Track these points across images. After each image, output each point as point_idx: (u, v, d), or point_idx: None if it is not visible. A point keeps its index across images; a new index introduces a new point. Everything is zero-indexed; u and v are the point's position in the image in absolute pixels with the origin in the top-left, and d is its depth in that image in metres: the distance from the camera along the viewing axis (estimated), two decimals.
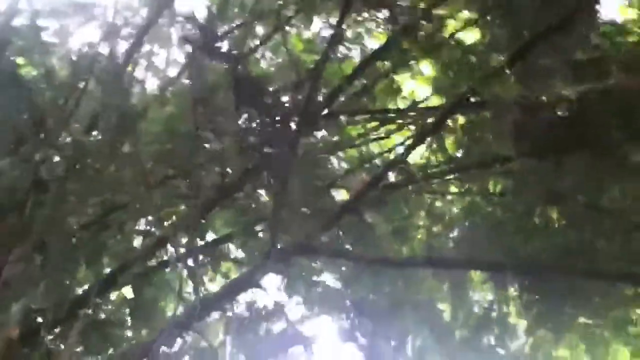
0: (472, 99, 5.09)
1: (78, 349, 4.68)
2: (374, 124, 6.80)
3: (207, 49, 4.86)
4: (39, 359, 4.20)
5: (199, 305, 4.12)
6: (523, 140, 4.15)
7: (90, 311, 4.36)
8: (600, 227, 4.51)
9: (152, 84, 7.65)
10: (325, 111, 5.79)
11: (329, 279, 6.40)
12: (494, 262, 4.53)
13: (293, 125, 4.52)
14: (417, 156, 6.62)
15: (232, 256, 6.85)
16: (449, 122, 6.03)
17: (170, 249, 5.54)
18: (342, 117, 6.56)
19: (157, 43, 7.63)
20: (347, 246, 5.43)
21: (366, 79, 6.24)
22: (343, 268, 6.14)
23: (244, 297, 5.81)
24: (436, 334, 6.33)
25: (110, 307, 5.44)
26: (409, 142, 5.08)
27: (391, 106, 6.71)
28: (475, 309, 6.29)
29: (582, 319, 5.25)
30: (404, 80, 7.06)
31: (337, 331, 6.53)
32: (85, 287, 4.90)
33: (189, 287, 5.07)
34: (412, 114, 6.52)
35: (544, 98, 4.19)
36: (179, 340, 4.27)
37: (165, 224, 5.64)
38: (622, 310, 4.94)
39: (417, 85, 7.15)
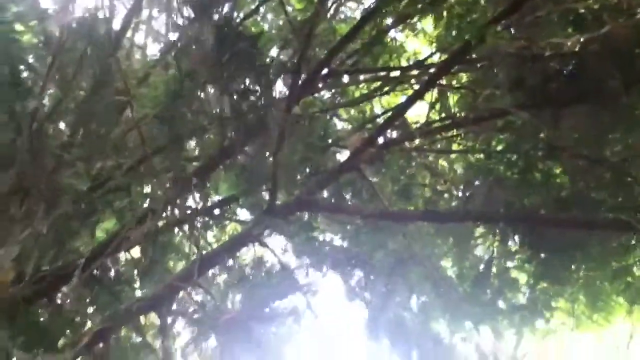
0: (472, 55, 5.04)
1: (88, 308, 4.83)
2: (377, 84, 6.78)
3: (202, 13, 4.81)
4: (49, 316, 4.35)
5: (199, 260, 4.21)
6: (521, 92, 4.12)
7: (96, 270, 4.47)
8: (599, 178, 4.50)
9: (153, 49, 7.68)
10: (325, 70, 5.78)
11: (334, 238, 6.51)
12: (492, 214, 4.55)
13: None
14: (420, 115, 6.66)
15: (237, 217, 6.97)
16: (451, 79, 6.03)
17: (176, 210, 5.64)
18: (345, 77, 6.56)
19: (156, 7, 7.61)
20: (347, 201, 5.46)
21: (366, 37, 6.20)
22: (348, 227, 6.22)
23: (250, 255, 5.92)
24: (439, 289, 6.44)
25: (118, 267, 5.57)
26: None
27: (394, 64, 6.68)
28: (477, 264, 6.37)
29: (582, 272, 5.30)
30: (406, 38, 7.01)
31: (343, 288, 6.66)
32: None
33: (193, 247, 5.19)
34: (414, 72, 6.49)
35: (542, 49, 4.13)
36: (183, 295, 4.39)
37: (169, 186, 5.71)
38: (620, 260, 4.98)
39: (420, 44, 7.10)
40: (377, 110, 7.20)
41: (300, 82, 4.92)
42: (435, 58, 6.37)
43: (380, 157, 4.86)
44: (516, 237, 5.46)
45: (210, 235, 6.57)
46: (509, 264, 5.98)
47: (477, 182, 5.92)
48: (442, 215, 4.67)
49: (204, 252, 4.66)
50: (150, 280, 4.97)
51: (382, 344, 7.09)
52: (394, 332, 6.77)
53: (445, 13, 5.45)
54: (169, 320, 4.52)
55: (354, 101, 6.61)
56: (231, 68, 4.23)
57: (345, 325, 7.21)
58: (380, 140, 4.86)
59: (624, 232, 4.36)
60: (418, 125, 5.67)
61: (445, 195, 6.45)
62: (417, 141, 5.93)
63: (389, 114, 5.91)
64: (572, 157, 4.49)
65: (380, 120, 6.50)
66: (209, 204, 6.23)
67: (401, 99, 6.86)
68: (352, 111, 7.22)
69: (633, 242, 4.79)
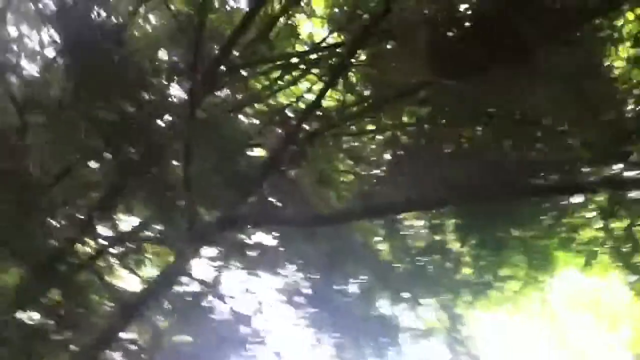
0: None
1: None
2: (277, 73, 6.39)
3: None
4: None
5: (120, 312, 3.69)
6: (439, 60, 3.88)
7: None
8: (528, 139, 4.38)
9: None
10: (223, 68, 5.31)
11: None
12: (429, 199, 4.33)
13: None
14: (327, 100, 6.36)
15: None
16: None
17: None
18: (243, 71, 6.12)
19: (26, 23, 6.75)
20: (276, 207, 5.10)
21: (260, 26, 5.79)
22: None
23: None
24: (377, 272, 6.27)
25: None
26: (318, 86, 4.72)
27: (291, 50, 6.33)
28: (413, 242, 6.21)
29: (518, 233, 5.24)
30: (300, 22, 6.65)
31: (280, 288, 6.37)
32: None
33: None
34: (314, 56, 6.19)
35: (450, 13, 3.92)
36: None
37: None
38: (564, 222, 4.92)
39: (314, 26, 6.77)
40: (283, 99, 6.84)
41: (198, 83, 4.45)
42: (331, 40, 6.07)
43: (304, 155, 4.49)
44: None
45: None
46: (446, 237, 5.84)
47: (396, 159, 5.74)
48: (379, 208, 4.38)
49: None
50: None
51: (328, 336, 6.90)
52: (339, 320, 6.57)
53: None
54: None
55: (258, 95, 6.19)
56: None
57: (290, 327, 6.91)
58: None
59: (567, 193, 4.27)
60: (334, 113, 5.35)
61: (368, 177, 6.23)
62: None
63: (299, 104, 5.57)
64: (498, 119, 4.33)
65: (289, 110, 6.16)
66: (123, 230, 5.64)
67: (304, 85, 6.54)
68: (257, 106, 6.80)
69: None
